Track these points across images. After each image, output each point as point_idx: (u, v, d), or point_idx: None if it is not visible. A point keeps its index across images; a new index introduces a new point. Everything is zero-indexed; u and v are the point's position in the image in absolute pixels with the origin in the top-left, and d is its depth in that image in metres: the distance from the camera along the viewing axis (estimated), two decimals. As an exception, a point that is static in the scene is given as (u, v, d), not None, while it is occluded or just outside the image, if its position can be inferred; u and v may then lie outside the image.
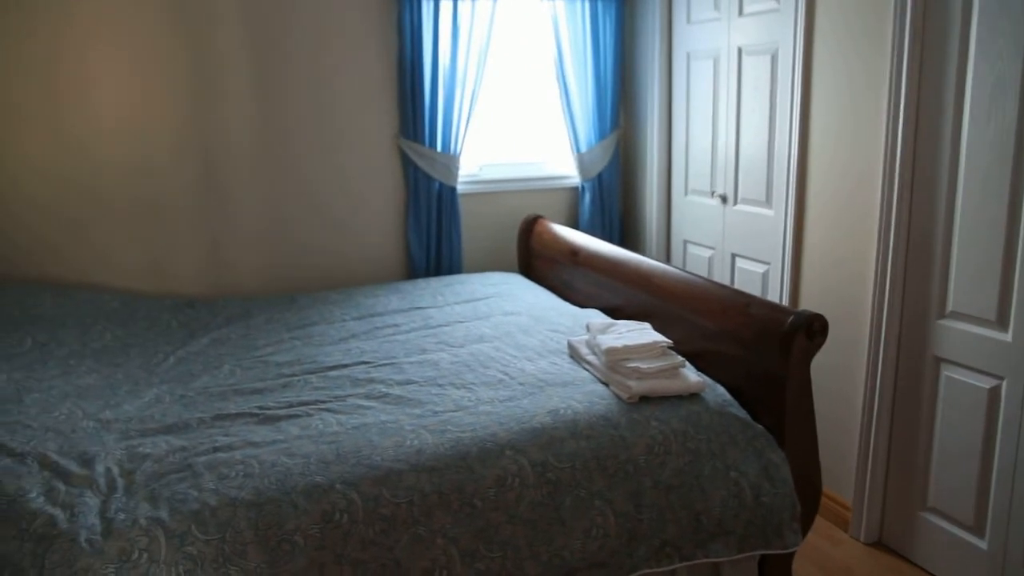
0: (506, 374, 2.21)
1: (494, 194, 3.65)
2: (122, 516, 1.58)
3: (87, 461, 1.73)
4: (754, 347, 2.09)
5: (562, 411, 1.97)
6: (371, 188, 3.39)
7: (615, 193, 3.80)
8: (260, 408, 2.01)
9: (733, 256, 3.24)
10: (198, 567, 1.55)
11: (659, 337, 2.21)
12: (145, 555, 1.53)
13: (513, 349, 2.40)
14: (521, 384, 2.14)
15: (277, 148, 3.20)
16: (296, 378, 2.21)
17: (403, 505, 1.70)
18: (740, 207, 3.17)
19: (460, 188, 3.52)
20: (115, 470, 1.72)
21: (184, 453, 1.79)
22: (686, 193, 3.56)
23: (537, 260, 3.40)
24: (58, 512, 1.56)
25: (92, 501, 1.62)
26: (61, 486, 1.64)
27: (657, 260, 2.75)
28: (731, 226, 3.23)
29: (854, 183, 2.57)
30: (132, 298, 2.84)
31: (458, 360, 2.32)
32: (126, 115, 2.96)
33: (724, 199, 3.25)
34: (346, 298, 2.95)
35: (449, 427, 1.90)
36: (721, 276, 3.29)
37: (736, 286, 3.06)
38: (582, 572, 1.84)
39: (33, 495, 1.59)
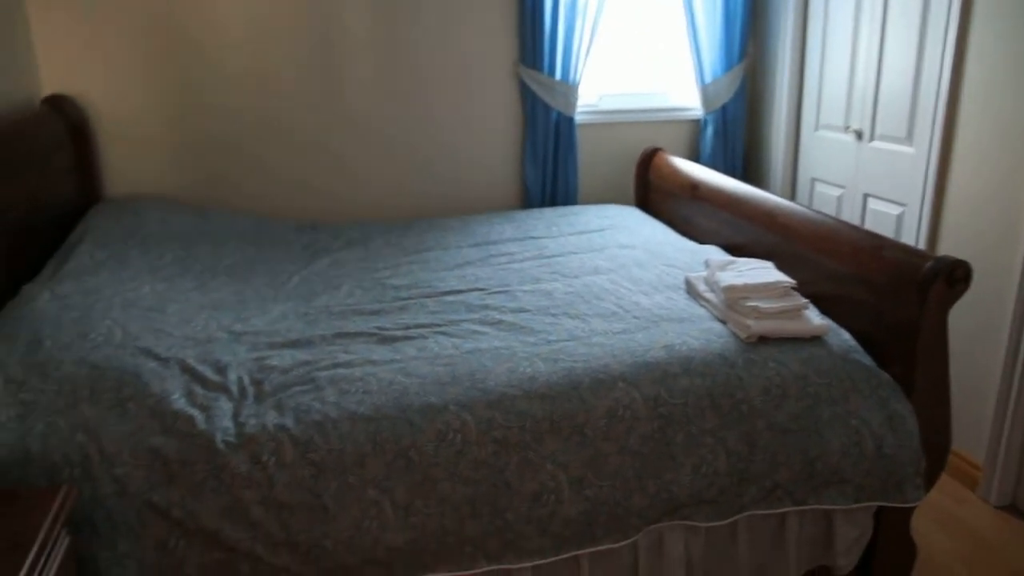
0: (620, 307, 2.18)
1: (612, 125, 3.57)
2: (252, 421, 1.68)
3: (221, 369, 1.85)
4: (886, 292, 1.97)
5: (677, 347, 1.94)
6: (489, 116, 3.38)
7: (740, 126, 3.63)
8: (378, 328, 2.07)
9: (865, 196, 3.04)
10: (321, 473, 1.64)
11: (782, 277, 2.12)
12: (273, 459, 1.63)
13: (628, 282, 2.37)
14: (636, 318, 2.11)
15: (397, 76, 3.22)
16: (412, 301, 2.26)
17: (514, 429, 1.73)
18: (876, 143, 2.96)
19: (578, 118, 3.45)
20: (246, 379, 1.83)
21: (308, 367, 1.87)
22: (816, 128, 3.36)
23: (654, 194, 3.31)
24: (197, 413, 1.68)
25: (226, 406, 1.73)
26: (199, 390, 1.76)
27: (782, 198, 2.62)
28: (865, 163, 3.03)
29: (1012, 120, 2.34)
30: (260, 220, 2.97)
31: (572, 291, 2.31)
32: (253, 43, 3.05)
33: (859, 135, 3.04)
34: (462, 225, 2.98)
35: (562, 356, 1.90)
36: (851, 217, 3.11)
37: (867, 228, 2.89)
38: (689, 508, 1.83)
39: (176, 396, 1.71)
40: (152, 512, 1.59)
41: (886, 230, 2.86)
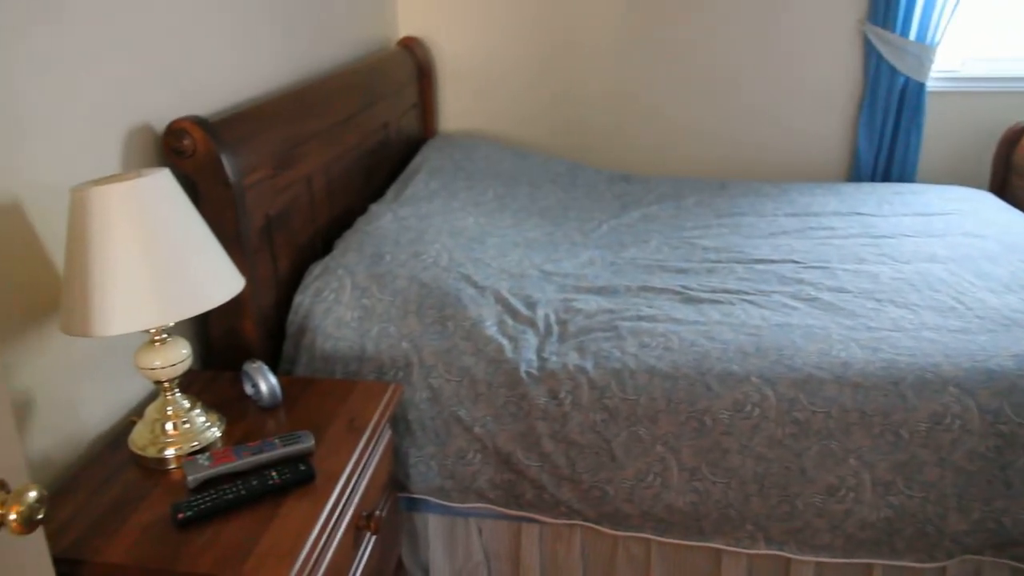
0: (960, 302, 1.92)
1: (972, 94, 3.10)
2: (554, 359, 1.74)
3: (531, 304, 1.93)
4: None
5: (1032, 359, 1.66)
6: (822, 77, 3.11)
7: None
8: (683, 287, 2.04)
9: None
10: (612, 420, 1.67)
11: None
12: (570, 397, 1.68)
13: (972, 276, 2.06)
14: (979, 317, 1.84)
15: (729, 30, 3.07)
16: (721, 265, 2.19)
17: (819, 415, 1.61)
18: None
19: (930, 85, 3.04)
20: (552, 317, 1.90)
21: (611, 315, 1.90)
22: None
23: (1019, 179, 2.84)
24: (506, 342, 1.78)
25: (532, 340, 1.81)
26: (509, 321, 1.86)
27: None
28: None
29: None
30: (575, 166, 3.05)
31: (901, 277, 2.07)
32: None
33: None
34: (780, 192, 2.80)
35: (883, 346, 1.72)
36: None
37: None
38: (1020, 548, 1.58)
39: (489, 323, 1.83)
40: (457, 424, 1.74)
41: None
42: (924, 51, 2.95)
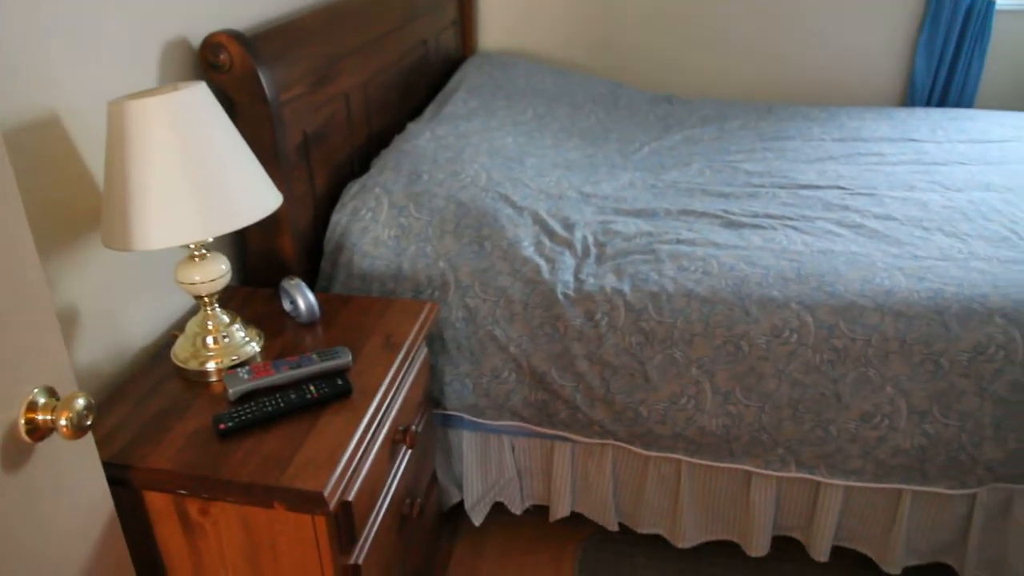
0: (1014, 232, 1.86)
1: (1043, 14, 2.92)
2: (592, 280, 1.74)
3: (569, 226, 1.92)
4: None
5: (1084, 291, 1.61)
6: (880, -5, 2.95)
7: None
8: (725, 211, 2.00)
9: None
10: (648, 342, 1.67)
11: None
12: (606, 319, 1.68)
13: (1029, 206, 1.99)
14: (1033, 248, 1.78)
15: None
16: (764, 189, 2.13)
17: (859, 342, 1.59)
18: None
19: (1001, 3, 2.87)
20: (590, 239, 1.88)
21: (650, 238, 1.87)
22: None
23: (1083, 104, 2.71)
24: (543, 263, 1.77)
25: (569, 261, 1.80)
26: (547, 242, 1.85)
27: None
28: None
29: None
30: (617, 86, 2.97)
31: (952, 205, 2.01)
32: None
33: None
34: (828, 117, 2.70)
35: (929, 275, 1.68)
36: None
37: None
38: (1055, 476, 1.57)
39: (526, 243, 1.82)
40: (492, 343, 1.75)
41: None
42: (994, -35, 2.77)
